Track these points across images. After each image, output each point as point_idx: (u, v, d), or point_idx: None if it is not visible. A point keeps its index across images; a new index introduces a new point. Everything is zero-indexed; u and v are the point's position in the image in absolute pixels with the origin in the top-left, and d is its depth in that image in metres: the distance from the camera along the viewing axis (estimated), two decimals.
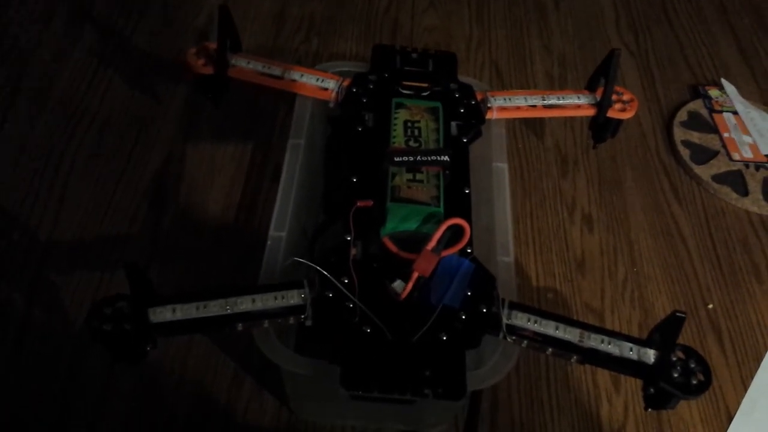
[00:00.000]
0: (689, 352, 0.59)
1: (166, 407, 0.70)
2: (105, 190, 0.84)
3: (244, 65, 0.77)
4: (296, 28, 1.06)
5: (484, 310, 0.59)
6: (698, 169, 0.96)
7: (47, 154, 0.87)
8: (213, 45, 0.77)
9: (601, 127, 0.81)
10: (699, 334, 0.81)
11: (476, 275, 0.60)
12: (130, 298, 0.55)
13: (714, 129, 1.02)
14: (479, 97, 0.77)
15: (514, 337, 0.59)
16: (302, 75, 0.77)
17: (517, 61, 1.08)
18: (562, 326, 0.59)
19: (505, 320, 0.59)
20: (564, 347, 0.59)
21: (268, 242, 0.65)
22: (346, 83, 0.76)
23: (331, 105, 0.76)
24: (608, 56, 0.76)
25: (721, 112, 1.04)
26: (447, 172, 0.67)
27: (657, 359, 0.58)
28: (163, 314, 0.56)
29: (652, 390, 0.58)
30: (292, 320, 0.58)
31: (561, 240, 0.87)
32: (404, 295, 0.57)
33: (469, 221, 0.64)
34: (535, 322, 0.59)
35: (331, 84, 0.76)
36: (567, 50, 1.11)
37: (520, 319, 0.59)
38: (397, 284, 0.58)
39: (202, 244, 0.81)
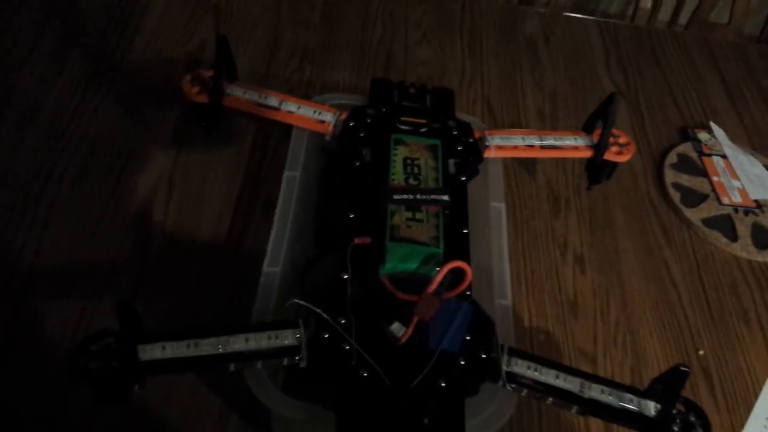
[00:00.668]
0: (689, 404, 0.58)
1: None
2: (91, 216, 0.82)
3: (240, 95, 0.76)
4: (289, 56, 1.05)
5: (484, 356, 0.57)
6: (688, 213, 0.96)
7: (32, 178, 0.84)
8: (208, 73, 0.75)
9: (597, 170, 0.81)
10: (691, 380, 0.80)
11: (475, 319, 0.59)
12: (119, 334, 0.53)
13: (704, 172, 1.02)
14: (477, 135, 0.77)
15: (513, 386, 0.57)
16: (299, 107, 0.76)
17: (509, 97, 1.08)
18: (562, 375, 0.58)
19: (504, 367, 0.57)
20: (565, 397, 0.57)
21: (262, 278, 0.63)
22: (343, 116, 0.75)
23: (328, 138, 0.75)
24: (607, 99, 0.76)
25: (710, 155, 1.05)
26: (446, 211, 0.66)
27: (658, 412, 0.57)
28: (152, 352, 0.54)
29: None
30: (286, 361, 0.56)
31: (553, 281, 0.86)
32: (404, 339, 0.55)
33: (468, 263, 0.62)
34: (536, 370, 0.58)
35: (329, 117, 0.75)
36: (558, 87, 1.11)
37: (520, 367, 0.58)
38: (395, 327, 0.56)
39: (191, 275, 0.79)
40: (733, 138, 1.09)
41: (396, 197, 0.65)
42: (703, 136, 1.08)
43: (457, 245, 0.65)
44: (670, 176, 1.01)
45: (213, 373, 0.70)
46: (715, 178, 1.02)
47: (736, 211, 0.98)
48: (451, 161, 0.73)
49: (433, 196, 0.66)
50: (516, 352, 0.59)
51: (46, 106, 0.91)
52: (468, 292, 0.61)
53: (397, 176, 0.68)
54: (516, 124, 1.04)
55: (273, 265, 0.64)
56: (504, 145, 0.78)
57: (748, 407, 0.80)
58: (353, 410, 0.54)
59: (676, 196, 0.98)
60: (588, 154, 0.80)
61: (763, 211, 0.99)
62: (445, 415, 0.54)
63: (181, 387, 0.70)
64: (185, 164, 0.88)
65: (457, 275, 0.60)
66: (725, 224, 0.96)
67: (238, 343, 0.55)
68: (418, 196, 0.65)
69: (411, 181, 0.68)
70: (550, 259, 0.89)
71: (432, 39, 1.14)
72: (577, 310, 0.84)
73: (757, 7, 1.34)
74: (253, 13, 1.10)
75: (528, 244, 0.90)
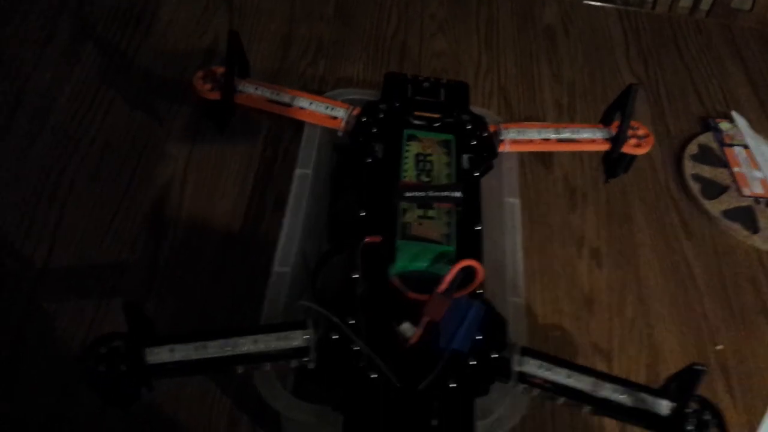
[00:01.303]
0: (704, 403, 0.57)
1: None
2: (103, 216, 0.82)
3: (252, 92, 0.75)
4: (303, 51, 1.04)
5: (495, 356, 0.57)
6: (709, 204, 0.95)
7: (45, 176, 0.84)
8: (220, 69, 0.75)
9: (614, 163, 0.80)
10: (708, 376, 0.79)
11: (487, 318, 0.58)
12: (127, 337, 0.53)
13: (724, 163, 1.01)
14: (492, 129, 0.76)
15: (525, 386, 0.57)
16: (311, 103, 0.75)
17: (526, 89, 1.06)
18: (575, 374, 0.57)
19: (516, 367, 0.57)
20: (577, 397, 0.56)
21: (271, 278, 0.63)
22: (355, 112, 0.75)
23: (341, 134, 0.74)
24: (625, 90, 0.75)
25: (731, 145, 1.03)
26: (459, 208, 0.65)
27: (672, 411, 0.56)
28: (160, 355, 0.53)
29: None
30: (294, 363, 0.56)
31: (569, 276, 0.85)
32: (414, 340, 0.55)
33: (480, 260, 0.62)
34: (547, 369, 0.57)
35: (341, 112, 0.75)
36: (577, 79, 1.09)
37: (532, 366, 0.57)
38: (405, 327, 0.56)
39: (202, 276, 0.79)
40: (755, 127, 1.06)
41: (407, 195, 0.64)
42: (724, 125, 1.06)
43: (470, 242, 0.64)
44: (689, 167, 0.99)
45: (221, 376, 0.70)
46: (736, 169, 1.00)
47: (758, 202, 0.96)
48: (465, 156, 0.72)
49: (445, 193, 0.65)
50: (528, 351, 0.58)
51: (60, 103, 0.92)
52: (480, 291, 0.60)
53: (409, 173, 0.67)
54: (533, 117, 1.02)
55: (283, 265, 0.64)
56: (519, 139, 0.77)
57: (767, 403, 0.78)
58: (361, 412, 0.53)
59: (695, 188, 0.96)
60: (606, 147, 0.79)
61: None
62: (455, 416, 0.54)
63: (191, 389, 0.70)
64: (198, 161, 0.88)
65: (469, 273, 0.59)
66: (746, 216, 0.95)
67: (246, 344, 0.55)
68: (430, 194, 0.64)
69: (423, 178, 0.67)
70: (565, 254, 0.88)
71: (447, 31, 1.12)
72: (592, 305, 0.83)
73: None
74: (267, 7, 1.10)
75: (543, 239, 0.88)
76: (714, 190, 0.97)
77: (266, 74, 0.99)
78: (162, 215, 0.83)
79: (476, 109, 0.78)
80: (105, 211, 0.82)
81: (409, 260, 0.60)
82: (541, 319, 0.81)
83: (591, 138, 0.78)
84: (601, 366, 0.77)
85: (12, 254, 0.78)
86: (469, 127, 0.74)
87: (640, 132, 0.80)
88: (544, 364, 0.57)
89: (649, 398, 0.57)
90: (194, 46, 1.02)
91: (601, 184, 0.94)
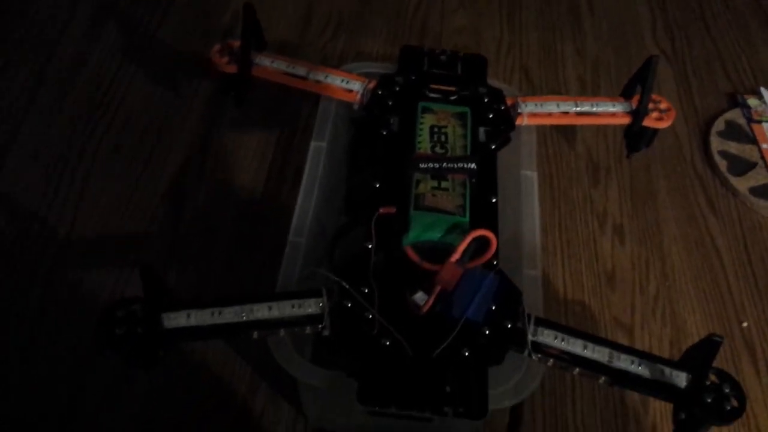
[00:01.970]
0: (723, 375, 0.56)
1: (178, 412, 0.68)
2: (125, 187, 0.83)
3: (268, 64, 0.75)
4: (324, 26, 1.04)
5: (509, 326, 0.56)
6: (735, 181, 0.93)
7: (68, 149, 0.86)
8: (237, 43, 0.75)
9: (636, 136, 0.78)
10: (733, 353, 0.78)
11: (501, 289, 0.57)
12: (144, 301, 0.54)
13: (752, 139, 0.98)
14: (509, 102, 0.75)
15: (539, 355, 0.56)
16: (327, 75, 0.75)
17: (548, 66, 1.05)
18: (590, 345, 0.56)
19: (530, 337, 0.56)
20: (592, 367, 0.56)
21: (287, 248, 0.63)
22: (371, 85, 0.74)
23: (356, 107, 0.74)
24: (646, 63, 0.74)
25: (760, 122, 1.01)
26: (473, 180, 0.64)
27: (690, 383, 0.55)
28: (177, 320, 0.54)
29: (683, 415, 0.55)
30: (309, 329, 0.56)
31: (591, 251, 0.84)
32: (426, 309, 0.54)
33: (496, 232, 0.61)
34: (563, 339, 0.57)
35: (357, 86, 0.74)
36: (601, 55, 1.08)
37: (547, 336, 0.57)
38: (419, 296, 0.55)
39: (221, 247, 0.80)
40: None
41: (422, 165, 0.64)
42: (752, 102, 1.03)
43: (485, 214, 0.63)
44: (716, 144, 0.97)
45: (237, 341, 0.71)
46: (764, 146, 0.98)
47: None
48: (482, 129, 0.71)
49: (459, 164, 0.64)
50: (543, 322, 0.57)
51: (81, 79, 0.93)
52: (495, 262, 0.60)
53: (423, 145, 0.67)
54: (556, 92, 1.01)
55: (298, 235, 0.64)
56: (537, 112, 0.76)
57: None
58: (375, 378, 0.53)
59: (722, 165, 0.95)
60: (626, 120, 0.77)
61: None
62: (468, 384, 0.53)
63: (212, 357, 0.71)
64: (218, 136, 0.89)
65: (483, 244, 0.59)
66: None
67: (262, 311, 0.55)
68: (444, 165, 0.64)
69: (437, 150, 0.66)
70: (587, 229, 0.87)
71: (469, 6, 1.11)
72: (614, 281, 0.82)
73: None
74: None
75: (565, 215, 0.88)
76: (741, 166, 0.95)
77: (287, 49, 0.99)
78: (182, 187, 0.84)
79: (494, 83, 0.77)
80: (126, 184, 0.83)
81: (422, 230, 0.60)
82: (562, 293, 0.80)
83: (611, 111, 0.77)
84: (622, 341, 0.76)
85: (36, 223, 0.79)
86: (486, 100, 0.74)
87: (663, 105, 0.78)
88: (560, 334, 0.57)
89: (667, 370, 0.56)
90: (215, 23, 1.02)
91: (625, 160, 0.93)
